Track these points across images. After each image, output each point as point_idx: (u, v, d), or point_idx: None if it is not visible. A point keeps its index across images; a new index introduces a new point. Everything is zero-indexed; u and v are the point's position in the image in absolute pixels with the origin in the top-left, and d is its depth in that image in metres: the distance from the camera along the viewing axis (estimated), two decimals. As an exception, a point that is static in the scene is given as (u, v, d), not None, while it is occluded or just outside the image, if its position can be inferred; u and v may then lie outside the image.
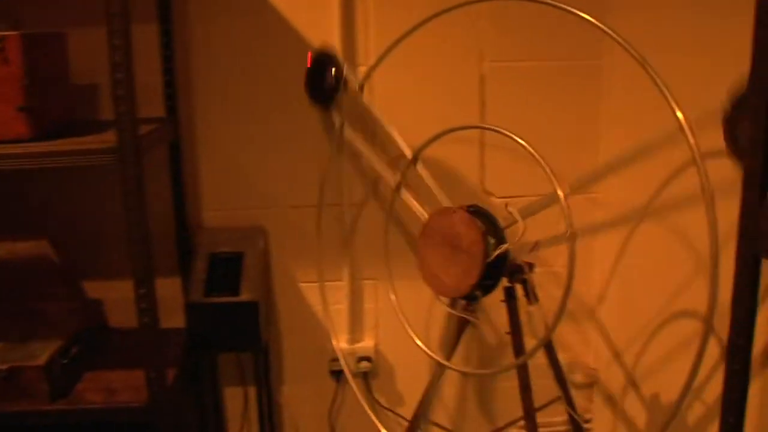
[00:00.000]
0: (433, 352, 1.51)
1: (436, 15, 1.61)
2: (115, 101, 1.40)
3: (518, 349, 1.49)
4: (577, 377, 2.19)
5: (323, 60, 1.83)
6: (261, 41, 1.95)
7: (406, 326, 1.53)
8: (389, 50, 1.70)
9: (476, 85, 2.06)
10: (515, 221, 1.41)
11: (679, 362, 1.80)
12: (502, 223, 1.44)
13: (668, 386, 1.86)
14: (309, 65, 1.81)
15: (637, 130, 1.97)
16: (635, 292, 2.02)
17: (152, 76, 1.87)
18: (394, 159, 2.02)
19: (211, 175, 2.02)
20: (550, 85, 2.08)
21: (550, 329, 1.26)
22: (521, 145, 1.31)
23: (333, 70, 1.78)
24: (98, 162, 1.44)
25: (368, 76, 1.84)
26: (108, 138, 1.48)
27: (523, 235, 1.45)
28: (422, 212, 1.57)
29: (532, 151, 1.29)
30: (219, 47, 1.94)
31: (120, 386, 1.62)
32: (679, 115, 1.09)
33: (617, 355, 2.11)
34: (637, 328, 1.99)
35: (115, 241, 1.96)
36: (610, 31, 1.24)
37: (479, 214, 1.48)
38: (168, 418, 1.56)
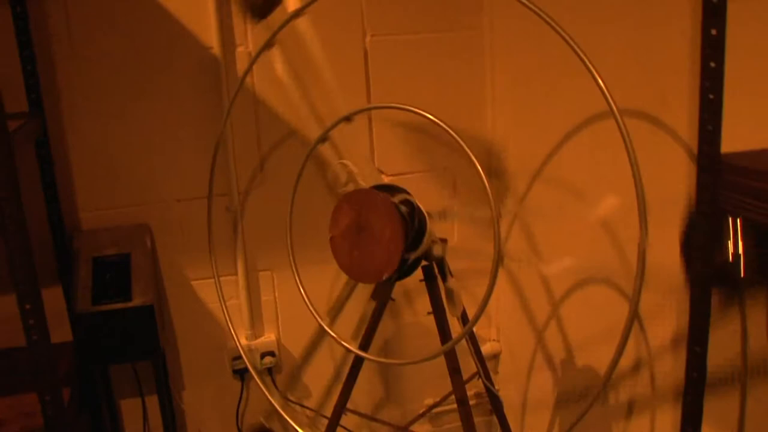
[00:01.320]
0: (345, 341, 1.45)
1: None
2: (-24, 96, 1.23)
3: (443, 329, 1.45)
4: (483, 349, 2.20)
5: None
6: (131, 22, 1.79)
7: (319, 320, 1.45)
8: (275, 34, 1.61)
9: (360, 61, 2.01)
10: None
11: (588, 328, 1.84)
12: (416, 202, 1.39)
13: (579, 353, 1.90)
14: None
15: (524, 97, 2.00)
16: (539, 256, 2.04)
17: (9, 65, 1.67)
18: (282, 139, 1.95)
19: (85, 173, 1.85)
20: (432, 56, 2.06)
21: (477, 315, 1.23)
22: (437, 123, 1.26)
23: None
24: (-37, 166, 1.26)
25: (254, 61, 1.73)
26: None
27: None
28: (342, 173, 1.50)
29: (448, 128, 1.24)
30: (83, 30, 1.77)
31: (9, 415, 1.45)
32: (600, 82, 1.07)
33: (520, 325, 2.13)
34: (538, 296, 2.02)
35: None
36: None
37: (392, 191, 1.43)
38: (68, 443, 1.42)
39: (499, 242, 1.19)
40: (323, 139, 1.45)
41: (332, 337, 1.44)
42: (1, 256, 1.28)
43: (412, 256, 1.40)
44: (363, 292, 1.68)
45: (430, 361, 1.34)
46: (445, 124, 1.26)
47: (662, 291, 1.45)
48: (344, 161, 1.55)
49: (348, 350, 1.44)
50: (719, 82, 0.98)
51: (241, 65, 1.88)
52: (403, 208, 1.38)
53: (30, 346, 1.33)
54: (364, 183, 1.50)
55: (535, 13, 1.10)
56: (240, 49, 1.89)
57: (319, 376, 2.16)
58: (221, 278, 1.93)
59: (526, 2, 1.11)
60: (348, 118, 1.44)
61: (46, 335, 1.35)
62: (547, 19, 1.09)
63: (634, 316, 1.10)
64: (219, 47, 1.85)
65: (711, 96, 0.98)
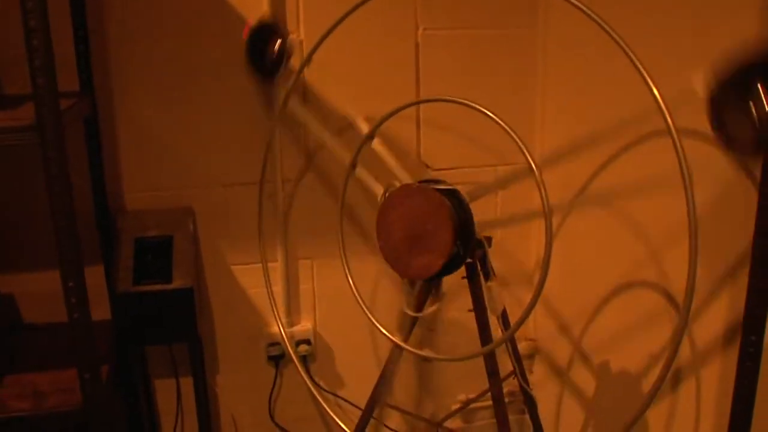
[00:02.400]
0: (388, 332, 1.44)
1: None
2: (32, 73, 1.23)
3: (483, 328, 1.43)
4: (519, 348, 2.18)
5: (265, 31, 1.70)
6: (184, 6, 1.79)
7: (365, 309, 1.45)
8: (333, 29, 1.59)
9: (412, 54, 1.99)
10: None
11: (626, 332, 1.81)
12: (466, 197, 1.36)
13: (617, 357, 1.87)
14: (245, 36, 1.67)
15: (575, 103, 1.96)
16: (575, 263, 2.01)
17: (63, 44, 1.68)
18: (338, 131, 1.94)
19: (133, 154, 1.86)
20: (484, 52, 2.04)
21: (521, 320, 1.21)
22: (491, 118, 1.24)
23: (278, 42, 1.66)
24: (15, 142, 1.28)
25: (312, 53, 1.72)
26: (23, 115, 1.32)
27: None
28: (378, 189, 1.48)
29: (504, 125, 1.22)
30: (138, 13, 1.77)
31: (48, 389, 1.47)
32: (655, 92, 1.04)
33: (560, 326, 2.10)
34: (578, 300, 1.99)
35: (25, 229, 1.78)
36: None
37: (443, 190, 1.41)
38: (104, 421, 1.43)
39: (550, 244, 1.17)
40: (371, 136, 1.43)
41: (377, 327, 1.43)
42: (48, 232, 1.30)
43: (460, 251, 1.38)
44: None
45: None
46: (501, 119, 1.24)
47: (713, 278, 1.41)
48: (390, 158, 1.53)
49: (394, 343, 1.44)
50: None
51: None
52: (449, 202, 1.36)
53: (71, 323, 1.34)
54: (411, 178, 1.48)
55: (596, 22, 1.07)
56: (292, 37, 1.88)
57: (353, 367, 2.15)
58: (261, 265, 1.94)
59: (587, 10, 1.08)
60: (393, 115, 1.43)
61: (87, 314, 1.36)
62: (607, 28, 1.06)
63: (684, 330, 1.07)
64: (272, 34, 1.84)
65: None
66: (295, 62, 1.82)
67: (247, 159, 1.89)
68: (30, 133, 1.26)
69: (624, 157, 1.75)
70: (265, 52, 1.67)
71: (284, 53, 1.64)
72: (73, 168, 1.30)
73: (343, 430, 1.64)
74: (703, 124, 1.02)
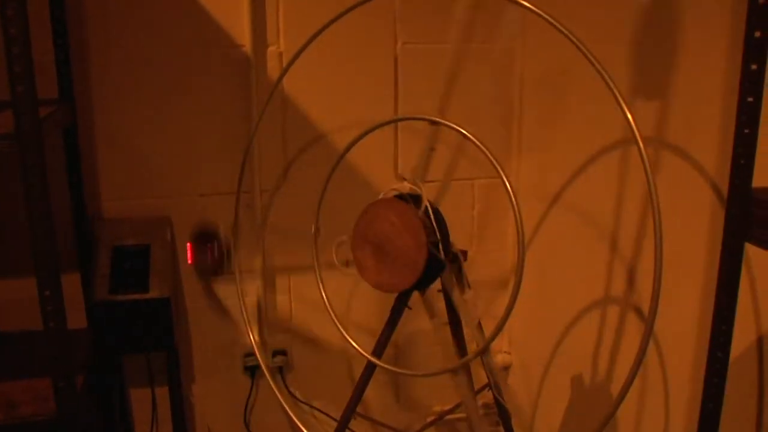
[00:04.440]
0: (359, 345, 1.46)
1: (358, 5, 1.51)
2: (11, 80, 1.23)
3: (459, 341, 1.45)
4: (494, 360, 2.20)
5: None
6: (165, 17, 1.80)
7: (337, 323, 1.46)
8: (311, 40, 1.61)
9: (391, 67, 2.01)
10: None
11: (599, 343, 1.83)
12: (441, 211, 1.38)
13: (590, 368, 1.89)
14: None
15: (552, 115, 1.99)
16: (548, 275, 2.03)
17: (43, 52, 1.68)
18: (309, 144, 1.96)
19: (111, 162, 1.86)
20: (463, 66, 2.05)
21: (494, 333, 1.23)
22: (466, 136, 1.27)
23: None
24: (-6, 149, 1.27)
25: (290, 64, 1.73)
26: (1, 122, 1.32)
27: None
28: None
29: (477, 142, 1.25)
30: (118, 21, 1.78)
31: (21, 398, 1.46)
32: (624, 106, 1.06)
33: (535, 339, 2.12)
34: (553, 312, 2.02)
35: (0, 236, 1.78)
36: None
37: (415, 200, 1.42)
38: (79, 430, 1.42)
39: (522, 257, 1.19)
40: (343, 155, 1.45)
41: (350, 343, 1.44)
42: (24, 239, 1.29)
43: (434, 264, 1.39)
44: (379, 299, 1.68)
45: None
46: (475, 138, 1.26)
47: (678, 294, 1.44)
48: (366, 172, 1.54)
49: (366, 358, 1.45)
50: (755, 117, 0.97)
51: (272, 65, 1.89)
52: (425, 217, 1.38)
53: (47, 332, 1.34)
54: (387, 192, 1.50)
55: (566, 36, 1.10)
56: (271, 49, 1.89)
57: (329, 378, 2.16)
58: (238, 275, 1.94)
59: (558, 25, 1.11)
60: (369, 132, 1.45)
61: (63, 323, 1.36)
62: (577, 43, 1.08)
63: (648, 339, 1.09)
64: (251, 46, 1.85)
65: (746, 130, 0.97)
66: (273, 74, 1.83)
67: (224, 169, 1.90)
68: (8, 141, 1.26)
69: (599, 168, 1.78)
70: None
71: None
72: (51, 176, 1.30)
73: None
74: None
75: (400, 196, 1.44)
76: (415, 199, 1.44)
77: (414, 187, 1.38)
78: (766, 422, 1.31)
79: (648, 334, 1.10)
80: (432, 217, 1.37)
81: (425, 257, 1.30)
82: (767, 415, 1.31)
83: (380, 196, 1.46)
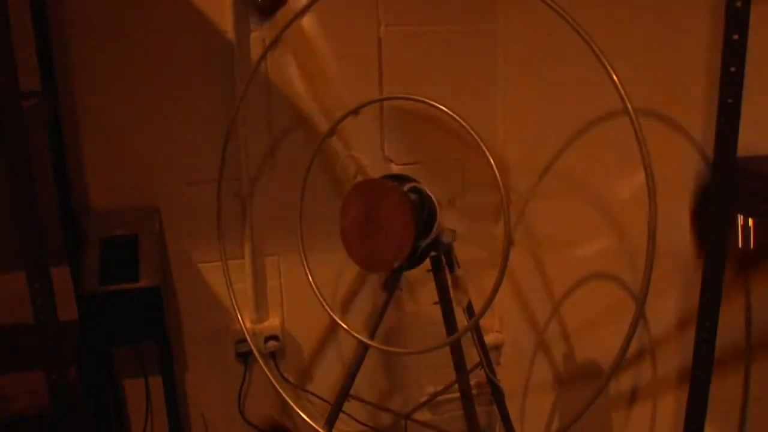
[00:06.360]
0: (351, 328, 1.46)
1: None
2: (-8, 72, 1.22)
3: (449, 320, 1.45)
4: (486, 340, 2.21)
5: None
6: (146, 4, 1.79)
7: (326, 306, 1.46)
8: (291, 22, 1.60)
9: (374, 50, 2.00)
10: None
11: (589, 317, 1.85)
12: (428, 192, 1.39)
13: (581, 346, 1.91)
14: None
15: (536, 94, 1.99)
16: (540, 252, 2.04)
17: (24, 44, 1.66)
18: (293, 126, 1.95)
19: (97, 153, 1.84)
20: (447, 48, 2.06)
21: (484, 308, 1.23)
22: (451, 116, 1.26)
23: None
24: (-25, 143, 1.26)
25: (271, 45, 1.72)
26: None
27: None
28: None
29: (463, 122, 1.24)
30: (98, 10, 1.76)
31: (13, 392, 1.46)
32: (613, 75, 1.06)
33: (526, 317, 2.14)
34: (544, 290, 2.03)
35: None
36: None
37: (402, 180, 1.43)
38: (73, 422, 1.42)
39: (509, 232, 1.19)
40: (332, 132, 1.45)
41: (340, 325, 1.44)
42: (12, 234, 1.29)
43: (423, 244, 1.40)
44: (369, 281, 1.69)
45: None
46: (458, 116, 1.26)
47: (666, 270, 1.45)
48: (353, 153, 1.55)
49: (356, 339, 1.45)
50: (738, 87, 0.98)
51: (255, 51, 1.88)
52: (413, 197, 1.38)
53: (38, 324, 1.33)
54: (373, 173, 1.50)
55: (555, 10, 1.10)
56: (254, 35, 1.88)
57: (322, 361, 2.17)
58: (228, 262, 1.94)
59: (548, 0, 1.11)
60: (355, 112, 1.44)
61: (53, 314, 1.35)
62: (566, 16, 1.09)
63: (644, 302, 1.10)
64: (233, 32, 1.84)
65: (730, 100, 0.98)
66: (257, 60, 1.83)
67: (211, 157, 1.89)
68: (-11, 134, 1.25)
69: (585, 143, 1.78)
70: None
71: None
72: (36, 169, 1.29)
73: (311, 425, 1.65)
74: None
75: (388, 176, 1.44)
76: (402, 179, 1.45)
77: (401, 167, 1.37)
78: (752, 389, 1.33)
79: (640, 308, 1.11)
80: (420, 196, 1.38)
81: (413, 237, 1.30)
82: (754, 378, 1.33)
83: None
